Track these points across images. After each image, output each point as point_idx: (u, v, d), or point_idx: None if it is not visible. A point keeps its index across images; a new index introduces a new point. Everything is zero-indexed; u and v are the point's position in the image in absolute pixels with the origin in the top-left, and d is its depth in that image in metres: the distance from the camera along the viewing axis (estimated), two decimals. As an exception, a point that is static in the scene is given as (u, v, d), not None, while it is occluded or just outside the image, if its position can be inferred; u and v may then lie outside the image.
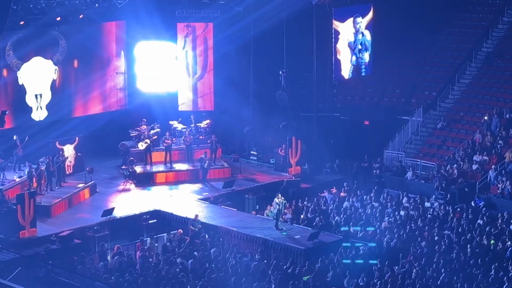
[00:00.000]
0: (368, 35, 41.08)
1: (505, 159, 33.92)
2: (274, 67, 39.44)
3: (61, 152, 33.42)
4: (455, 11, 42.24)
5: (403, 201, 32.08)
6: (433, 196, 32.32)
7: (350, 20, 40.33)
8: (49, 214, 30.48)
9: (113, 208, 30.83)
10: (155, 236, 28.37)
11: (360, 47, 40.78)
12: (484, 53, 41.14)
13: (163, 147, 36.34)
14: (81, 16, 35.16)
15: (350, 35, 40.32)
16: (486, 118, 37.09)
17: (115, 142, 36.43)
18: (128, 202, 32.54)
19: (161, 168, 35.93)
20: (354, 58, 40.54)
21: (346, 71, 40.36)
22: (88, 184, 33.29)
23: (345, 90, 40.65)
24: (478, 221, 29.09)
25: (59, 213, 31.07)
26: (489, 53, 40.55)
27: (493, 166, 33.88)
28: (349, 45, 40.32)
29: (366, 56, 41.24)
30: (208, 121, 38.10)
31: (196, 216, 29.57)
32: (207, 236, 28.17)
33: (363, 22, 40.90)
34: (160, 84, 39.14)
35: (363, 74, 41.02)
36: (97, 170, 34.67)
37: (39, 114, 34.87)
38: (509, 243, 26.86)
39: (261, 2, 37.20)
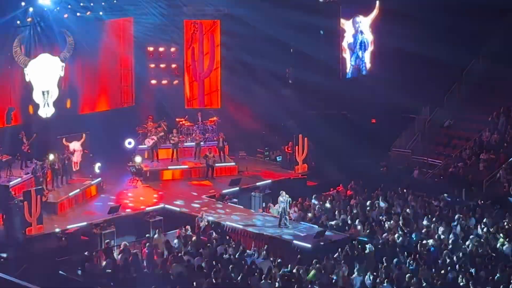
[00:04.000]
0: (368, 34, 41.11)
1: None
2: (280, 65, 39.48)
3: (67, 149, 33.52)
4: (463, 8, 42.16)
5: (410, 199, 32.01)
6: (440, 195, 32.24)
7: (355, 18, 40.42)
8: (55, 211, 30.53)
9: (119, 205, 30.88)
10: (162, 233, 28.43)
11: (359, 46, 40.87)
12: (491, 51, 41.09)
13: (170, 144, 36.39)
14: (88, 13, 35.15)
15: (350, 35, 40.40)
16: (493, 116, 37.06)
17: (122, 139, 36.45)
18: (135, 199, 32.59)
19: (167, 165, 35.96)
20: (353, 57, 40.64)
21: (351, 69, 40.49)
22: (95, 181, 33.35)
23: (351, 88, 40.62)
24: (484, 220, 29.02)
25: (66, 210, 31.12)
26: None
27: (503, 166, 33.83)
28: (349, 45, 40.39)
29: (367, 55, 41.28)
30: (215, 118, 38.11)
31: (203, 213, 29.61)
32: (213, 233, 28.18)
33: (365, 20, 40.95)
34: (167, 81, 39.25)
35: (364, 73, 41.07)
36: (103, 167, 34.70)
37: (46, 111, 34.87)
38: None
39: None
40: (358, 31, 40.79)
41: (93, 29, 35.92)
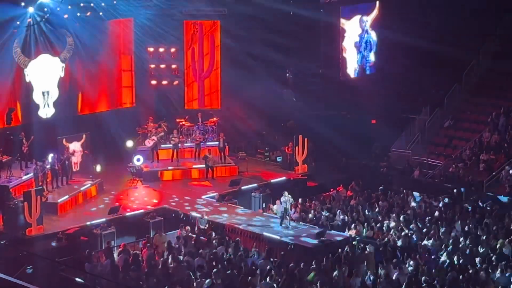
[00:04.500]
0: (373, 34, 41.14)
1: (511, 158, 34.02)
2: (281, 65, 39.48)
3: (67, 150, 33.53)
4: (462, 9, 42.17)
5: (410, 200, 32.01)
6: (440, 195, 32.23)
7: (356, 18, 40.43)
8: (55, 211, 30.52)
9: (119, 206, 30.87)
10: (162, 234, 28.45)
11: (365, 46, 40.86)
12: (491, 51, 41.12)
13: (170, 145, 36.38)
14: (88, 14, 35.18)
15: (355, 35, 40.40)
16: (493, 117, 37.05)
17: (122, 139, 36.45)
18: (135, 199, 32.59)
19: (168, 165, 35.95)
20: (359, 57, 40.62)
21: (351, 70, 40.45)
22: (95, 181, 33.34)
23: (352, 88, 40.69)
24: (485, 220, 29.01)
25: (66, 210, 31.12)
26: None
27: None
28: (355, 44, 40.38)
29: (372, 55, 41.31)
30: (215, 119, 38.10)
31: (203, 214, 29.60)
32: (213, 234, 28.17)
33: (368, 20, 40.98)
34: (167, 82, 39.28)
35: (367, 73, 41.07)
36: (103, 167, 34.71)
37: (46, 111, 34.90)
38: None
39: (269, 0, 37.20)
40: (365, 30, 40.80)
41: (93, 30, 35.93)
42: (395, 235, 27.96)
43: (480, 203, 31.31)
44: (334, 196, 32.89)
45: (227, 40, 38.77)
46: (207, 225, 28.98)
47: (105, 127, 36.37)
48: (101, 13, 35.73)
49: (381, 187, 33.28)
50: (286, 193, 29.39)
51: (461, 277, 23.94)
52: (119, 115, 37.64)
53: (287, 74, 40.37)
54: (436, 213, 30.19)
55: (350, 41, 40.29)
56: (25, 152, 32.74)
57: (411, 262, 25.18)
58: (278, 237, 28.09)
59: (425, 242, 27.17)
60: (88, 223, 29.38)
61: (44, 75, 34.61)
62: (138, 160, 34.61)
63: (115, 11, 36.32)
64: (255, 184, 34.42)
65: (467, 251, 26.10)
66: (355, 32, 40.48)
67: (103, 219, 29.63)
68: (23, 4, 32.34)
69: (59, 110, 35.25)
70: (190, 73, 39.61)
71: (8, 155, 32.51)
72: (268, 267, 24.66)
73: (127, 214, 30.67)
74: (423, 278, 23.90)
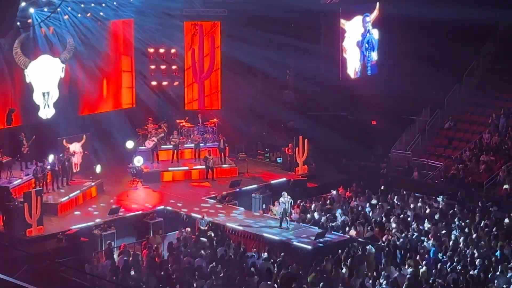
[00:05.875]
0: (375, 34, 41.13)
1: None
2: (281, 66, 39.46)
3: (67, 151, 33.52)
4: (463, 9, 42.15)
5: (410, 201, 32.01)
6: (440, 196, 32.24)
7: (357, 18, 40.40)
8: (55, 212, 30.52)
9: (119, 207, 30.87)
10: (162, 235, 28.46)
11: (367, 45, 40.83)
12: (492, 53, 41.11)
13: (171, 146, 36.39)
14: (88, 15, 35.20)
15: (358, 34, 40.38)
16: (494, 118, 37.05)
17: (122, 140, 36.45)
18: (135, 200, 32.59)
19: (168, 166, 35.95)
20: (361, 56, 40.59)
21: (351, 70, 40.39)
22: (95, 182, 33.34)
23: (352, 89, 40.68)
24: (485, 222, 29.01)
25: (66, 211, 31.11)
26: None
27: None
28: (357, 43, 40.36)
29: (373, 55, 41.29)
30: (215, 119, 38.11)
31: (203, 215, 29.60)
32: (213, 234, 28.18)
33: (370, 20, 40.98)
34: (167, 82, 39.28)
35: (369, 73, 41.02)
36: (103, 168, 34.71)
37: (46, 112, 34.88)
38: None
39: (269, 1, 37.18)
40: (367, 30, 40.77)
41: (94, 31, 35.92)
42: (395, 236, 27.96)
43: (480, 204, 31.29)
44: (334, 197, 32.88)
45: (227, 41, 38.77)
46: (207, 226, 29.00)
47: (105, 128, 36.38)
48: (101, 14, 35.75)
49: (381, 188, 33.26)
50: (285, 193, 29.40)
51: (461, 278, 23.96)
52: (119, 116, 37.62)
53: (287, 75, 40.33)
54: (436, 214, 30.19)
55: (351, 42, 40.25)
56: (25, 152, 32.74)
57: (411, 263, 25.20)
58: (278, 238, 28.09)
59: (425, 243, 27.18)
60: (88, 223, 29.38)
61: (45, 76, 34.58)
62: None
63: (116, 12, 36.34)
64: (255, 185, 34.42)
65: (467, 252, 26.10)
66: (357, 32, 40.43)
67: (103, 220, 29.63)
68: (23, 4, 32.33)
69: (60, 111, 35.22)
70: (190, 74, 39.59)
71: (8, 155, 32.53)
72: (268, 268, 24.68)
73: (127, 215, 30.68)
74: (423, 280, 23.92)
